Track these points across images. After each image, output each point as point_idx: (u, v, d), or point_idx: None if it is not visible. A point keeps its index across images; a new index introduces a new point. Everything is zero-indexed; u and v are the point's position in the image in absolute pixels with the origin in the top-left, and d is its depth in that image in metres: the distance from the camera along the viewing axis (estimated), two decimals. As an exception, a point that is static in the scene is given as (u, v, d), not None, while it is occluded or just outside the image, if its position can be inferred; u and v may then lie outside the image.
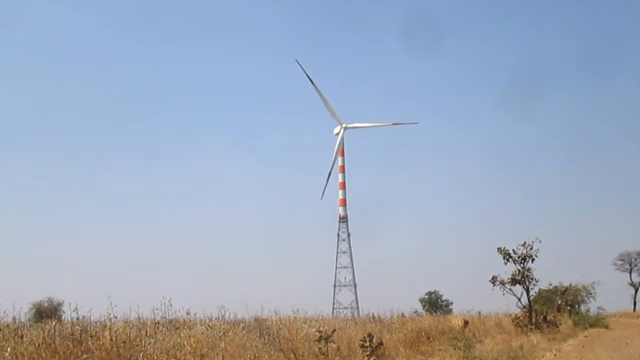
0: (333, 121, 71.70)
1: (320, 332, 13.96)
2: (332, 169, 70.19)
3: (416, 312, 30.01)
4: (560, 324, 26.94)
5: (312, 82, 67.29)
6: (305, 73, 66.89)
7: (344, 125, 70.60)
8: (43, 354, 10.14)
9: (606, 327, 30.67)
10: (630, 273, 60.12)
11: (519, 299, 27.16)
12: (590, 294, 39.30)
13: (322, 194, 70.70)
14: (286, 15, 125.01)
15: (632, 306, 58.67)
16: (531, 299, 27.49)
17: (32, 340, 10.73)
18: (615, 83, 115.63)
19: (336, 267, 70.74)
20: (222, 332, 13.56)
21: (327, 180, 69.91)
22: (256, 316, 18.27)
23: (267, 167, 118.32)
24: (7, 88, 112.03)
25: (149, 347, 11.24)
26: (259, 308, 18.09)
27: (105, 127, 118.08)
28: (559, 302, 32.24)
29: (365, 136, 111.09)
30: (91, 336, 10.97)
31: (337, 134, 70.93)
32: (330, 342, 13.67)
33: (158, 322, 13.76)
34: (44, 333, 11.06)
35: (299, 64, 66.90)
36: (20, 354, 10.05)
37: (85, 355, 10.26)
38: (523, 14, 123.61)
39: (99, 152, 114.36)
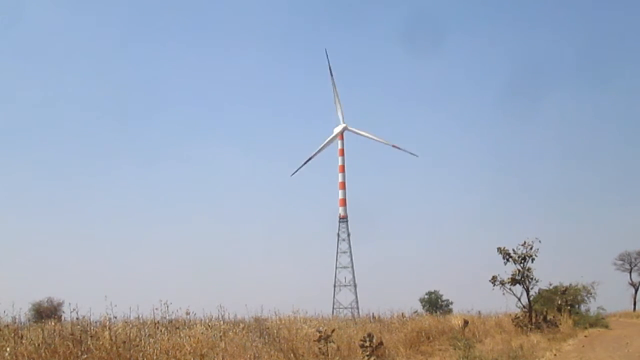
0: (334, 120, 72.25)
1: (320, 332, 13.94)
2: (313, 156, 71.51)
3: (416, 312, 30.11)
4: (560, 324, 26.93)
5: (331, 73, 70.39)
6: (329, 64, 70.04)
7: (346, 125, 71.00)
8: (43, 354, 10.14)
9: (606, 326, 30.62)
10: (630, 273, 60.16)
11: (519, 299, 27.19)
12: (590, 293, 39.22)
13: (293, 173, 72.99)
14: (286, 15, 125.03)
15: (632, 306, 58.71)
16: (531, 298, 27.50)
17: (31, 340, 10.73)
18: (616, 83, 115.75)
19: (336, 267, 70.86)
20: (222, 332, 13.56)
21: (304, 163, 71.54)
22: (256, 316, 18.30)
23: (267, 166, 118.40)
24: (8, 88, 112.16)
25: (148, 347, 11.23)
26: (259, 308, 18.14)
27: (105, 127, 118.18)
28: (559, 302, 32.16)
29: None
30: (91, 336, 10.95)
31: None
32: (330, 342, 13.65)
33: (158, 322, 13.76)
34: (43, 333, 11.05)
35: (327, 55, 70.01)
36: (20, 354, 10.04)
37: (85, 356, 10.25)
38: (523, 14, 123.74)
39: (98, 152, 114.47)
